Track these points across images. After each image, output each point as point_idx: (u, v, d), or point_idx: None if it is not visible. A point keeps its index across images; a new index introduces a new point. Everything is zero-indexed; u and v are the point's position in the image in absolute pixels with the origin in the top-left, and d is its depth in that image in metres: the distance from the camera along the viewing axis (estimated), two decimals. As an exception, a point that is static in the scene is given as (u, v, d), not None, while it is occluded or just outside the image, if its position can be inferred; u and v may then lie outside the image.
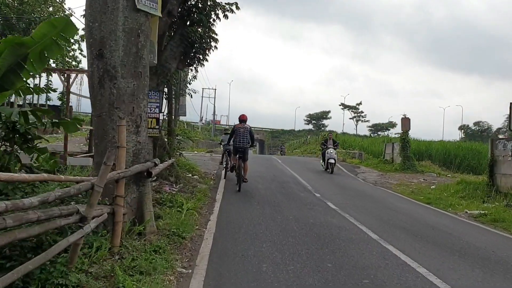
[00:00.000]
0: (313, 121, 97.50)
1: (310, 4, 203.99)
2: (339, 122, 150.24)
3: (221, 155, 19.78)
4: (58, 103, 47.77)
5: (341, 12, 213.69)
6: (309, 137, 65.45)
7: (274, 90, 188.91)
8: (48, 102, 46.99)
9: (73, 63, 34.38)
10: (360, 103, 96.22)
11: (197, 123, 77.63)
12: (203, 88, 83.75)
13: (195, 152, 30.20)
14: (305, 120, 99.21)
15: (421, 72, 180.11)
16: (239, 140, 12.57)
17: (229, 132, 14.94)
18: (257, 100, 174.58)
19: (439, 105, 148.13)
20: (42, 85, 36.72)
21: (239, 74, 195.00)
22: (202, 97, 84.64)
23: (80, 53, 33.40)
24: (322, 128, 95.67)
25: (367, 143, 42.82)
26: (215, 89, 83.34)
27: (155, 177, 11.53)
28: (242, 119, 12.99)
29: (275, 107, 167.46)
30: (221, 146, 19.15)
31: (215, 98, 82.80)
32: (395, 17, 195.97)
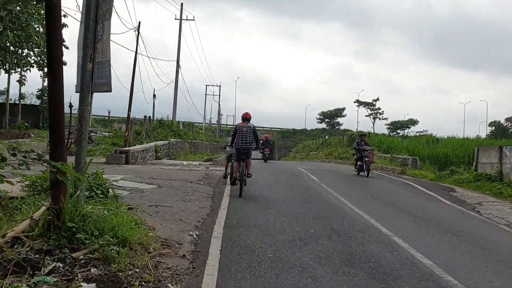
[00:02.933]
0: (326, 120, 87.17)
1: (308, 1, 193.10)
2: (354, 120, 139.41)
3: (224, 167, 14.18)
4: (37, 102, 38.71)
5: (341, 9, 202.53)
6: (327, 137, 55.23)
7: (279, 89, 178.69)
8: (24, 101, 37.92)
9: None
10: (378, 99, 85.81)
11: (201, 123, 67.60)
12: (206, 85, 74.31)
13: (184, 163, 20.06)
14: (317, 119, 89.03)
15: (425, 68, 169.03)
16: (242, 140, 10.85)
17: None
18: (262, 100, 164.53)
19: (460, 101, 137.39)
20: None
21: (242, 74, 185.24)
22: (206, 94, 74.91)
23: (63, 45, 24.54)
24: (337, 127, 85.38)
25: (411, 145, 32.49)
26: (220, 86, 73.30)
27: None
28: (246, 117, 11.37)
29: (281, 106, 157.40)
30: (226, 150, 13.96)
31: (220, 95, 73.02)
32: (397, 12, 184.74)
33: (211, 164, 20.19)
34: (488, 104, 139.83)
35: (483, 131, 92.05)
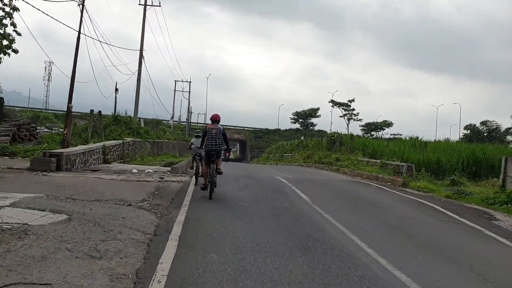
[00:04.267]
0: (300, 120, 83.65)
1: (278, 1, 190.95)
2: (329, 121, 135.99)
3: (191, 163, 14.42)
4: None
5: (310, 9, 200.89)
6: (302, 138, 51.54)
7: (250, 88, 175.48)
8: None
9: (4, 41, 21.14)
10: (353, 100, 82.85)
11: (168, 120, 62.87)
12: (175, 81, 69.33)
13: (134, 170, 15.58)
14: (291, 119, 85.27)
15: (393, 70, 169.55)
16: (211, 143, 10.49)
17: (200, 134, 12.36)
18: (233, 98, 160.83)
19: (432, 104, 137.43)
20: None
21: (213, 72, 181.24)
22: (175, 91, 70.04)
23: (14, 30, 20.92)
24: (311, 127, 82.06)
25: (400, 149, 28.82)
26: (190, 82, 68.55)
27: None
28: (215, 119, 10.90)
29: (252, 105, 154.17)
30: (192, 149, 14.00)
31: (189, 92, 68.15)
32: (365, 14, 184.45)
33: (169, 171, 15.91)
34: (455, 107, 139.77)
35: (454, 134, 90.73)
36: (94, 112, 21.69)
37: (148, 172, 15.33)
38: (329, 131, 79.73)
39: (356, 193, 12.93)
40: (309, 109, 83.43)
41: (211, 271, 4.95)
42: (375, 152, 28.32)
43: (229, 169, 19.01)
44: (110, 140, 21.69)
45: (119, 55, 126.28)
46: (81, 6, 17.28)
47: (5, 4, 21.21)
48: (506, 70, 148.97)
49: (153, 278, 4.57)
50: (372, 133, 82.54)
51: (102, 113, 28.86)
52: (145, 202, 9.27)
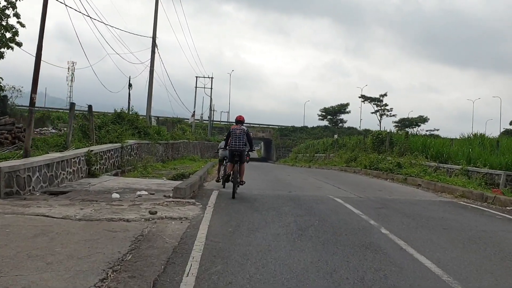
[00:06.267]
0: (328, 116, 77.27)
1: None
2: (357, 117, 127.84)
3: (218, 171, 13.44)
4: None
5: (328, 4, 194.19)
6: (336, 136, 45.34)
7: (270, 86, 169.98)
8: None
9: (7, 34, 19.38)
10: (385, 95, 76.03)
11: (188, 119, 57.50)
12: (196, 77, 64.02)
13: (116, 194, 9.71)
14: (319, 115, 78.91)
15: (416, 65, 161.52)
16: (235, 143, 10.55)
17: None
18: (254, 97, 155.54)
19: (467, 98, 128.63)
20: None
21: (234, 71, 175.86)
22: (196, 87, 64.68)
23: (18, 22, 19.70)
24: (340, 124, 75.67)
25: (475, 150, 22.28)
26: (212, 78, 63.10)
27: None
28: (239, 119, 11.04)
29: (273, 104, 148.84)
30: (218, 153, 13.08)
31: (211, 88, 62.71)
32: (385, 8, 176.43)
33: (174, 189, 10.09)
34: (480, 102, 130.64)
35: (491, 130, 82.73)
36: (82, 107, 16.26)
37: (139, 196, 9.62)
38: (359, 128, 73.50)
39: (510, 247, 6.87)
40: (338, 105, 76.94)
41: None
42: (439, 154, 22.03)
43: (260, 181, 13.40)
44: (106, 143, 16.25)
45: (133, 49, 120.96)
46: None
47: (6, -7, 18.86)
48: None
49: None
50: (407, 129, 75.64)
51: (116, 111, 23.43)
52: None
